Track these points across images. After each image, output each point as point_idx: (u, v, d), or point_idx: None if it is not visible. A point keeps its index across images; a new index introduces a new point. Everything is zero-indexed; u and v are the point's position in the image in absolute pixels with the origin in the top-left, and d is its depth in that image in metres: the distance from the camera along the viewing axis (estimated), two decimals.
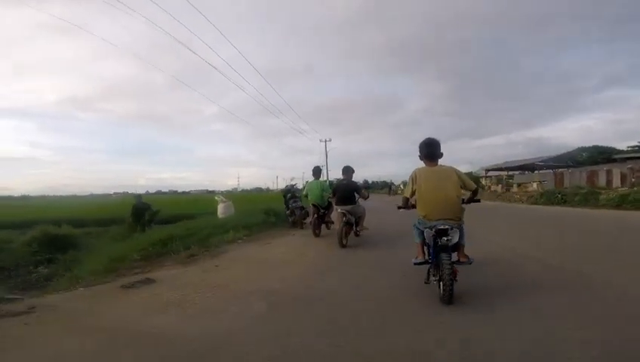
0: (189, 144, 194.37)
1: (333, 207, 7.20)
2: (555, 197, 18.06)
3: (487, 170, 42.90)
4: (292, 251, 6.35)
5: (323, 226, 7.73)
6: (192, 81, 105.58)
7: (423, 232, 3.32)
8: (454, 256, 3.24)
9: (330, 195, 7.06)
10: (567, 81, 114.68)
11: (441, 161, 3.53)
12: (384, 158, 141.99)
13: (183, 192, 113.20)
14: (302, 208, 9.36)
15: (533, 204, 18.85)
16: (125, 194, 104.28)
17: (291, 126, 64.59)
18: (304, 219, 9.30)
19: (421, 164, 3.57)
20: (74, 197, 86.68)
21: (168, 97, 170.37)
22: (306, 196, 7.88)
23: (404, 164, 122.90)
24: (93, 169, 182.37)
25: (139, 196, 12.02)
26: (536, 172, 35.81)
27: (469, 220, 3.58)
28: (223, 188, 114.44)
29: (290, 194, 10.02)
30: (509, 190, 30.34)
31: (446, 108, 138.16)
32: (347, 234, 6.25)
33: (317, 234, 7.48)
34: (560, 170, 33.18)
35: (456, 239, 3.16)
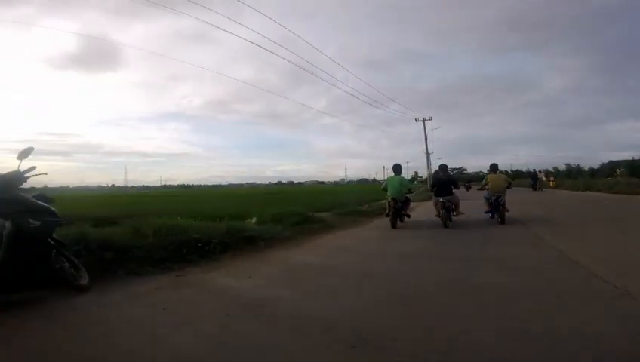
0: (304, 138, 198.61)
1: (410, 202, 8.88)
2: None
3: None
4: None
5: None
6: (301, 78, 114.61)
7: (489, 199, 8.39)
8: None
9: (407, 191, 8.84)
10: None
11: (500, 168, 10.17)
12: (514, 144, 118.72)
13: (299, 183, 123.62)
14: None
15: None
16: (253, 184, 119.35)
17: (399, 115, 62.31)
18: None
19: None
20: (216, 186, 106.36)
21: (285, 96, 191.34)
22: (385, 190, 8.49)
23: (543, 150, 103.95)
24: (232, 163, 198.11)
25: None
26: None
27: None
28: (332, 179, 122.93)
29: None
30: None
31: (597, 86, 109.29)
32: (447, 218, 8.02)
33: (394, 225, 7.98)
34: None
35: (503, 200, 8.08)
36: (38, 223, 3.05)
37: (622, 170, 35.59)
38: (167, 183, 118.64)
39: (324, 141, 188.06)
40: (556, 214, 9.92)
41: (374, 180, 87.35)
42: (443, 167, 9.19)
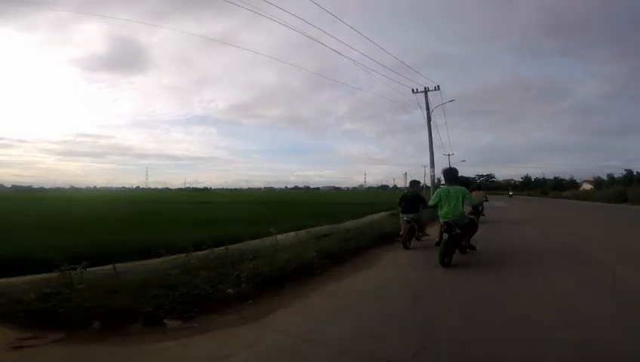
0: (327, 144, 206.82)
1: (474, 225, 6.46)
2: None
3: None
4: None
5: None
6: (324, 83, 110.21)
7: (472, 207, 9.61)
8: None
9: (471, 210, 6.55)
10: None
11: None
12: (549, 151, 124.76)
13: (315, 188, 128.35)
14: None
15: None
16: (271, 189, 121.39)
17: (424, 120, 53.57)
18: None
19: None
20: (236, 190, 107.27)
21: (307, 101, 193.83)
22: (434, 207, 5.79)
23: (577, 159, 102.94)
24: (257, 166, 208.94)
25: None
26: None
27: None
28: (352, 185, 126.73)
29: None
30: None
31: (636, 92, 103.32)
32: (407, 239, 6.91)
33: (443, 262, 5.27)
34: None
35: (481, 208, 10.36)
36: None
37: None
38: (191, 186, 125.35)
39: (346, 147, 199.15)
40: None
41: (395, 187, 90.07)
42: (414, 182, 8.68)
